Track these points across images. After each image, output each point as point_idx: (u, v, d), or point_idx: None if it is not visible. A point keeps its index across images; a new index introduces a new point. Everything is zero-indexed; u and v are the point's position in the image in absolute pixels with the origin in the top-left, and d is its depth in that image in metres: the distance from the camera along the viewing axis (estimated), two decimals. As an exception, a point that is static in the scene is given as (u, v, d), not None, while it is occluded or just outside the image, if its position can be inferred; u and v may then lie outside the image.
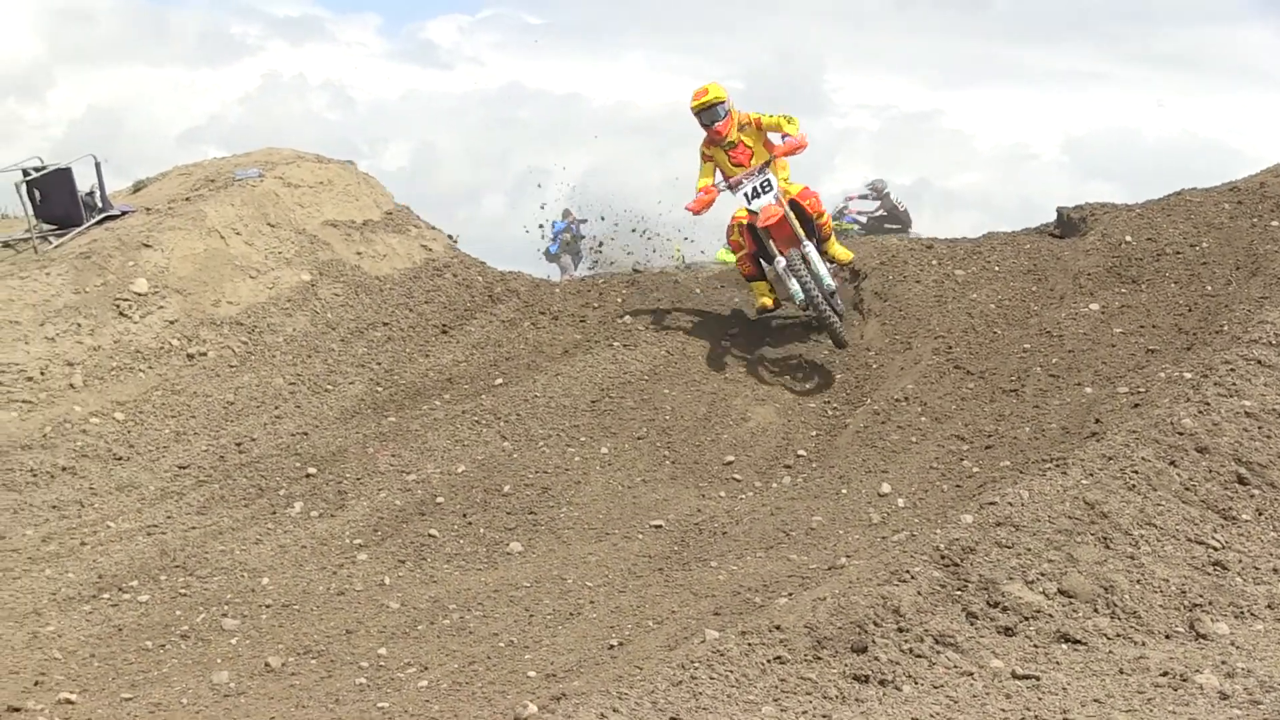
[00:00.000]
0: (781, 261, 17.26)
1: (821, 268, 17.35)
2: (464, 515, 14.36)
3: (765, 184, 17.46)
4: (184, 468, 15.47)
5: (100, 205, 19.02)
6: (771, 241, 17.39)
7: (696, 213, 17.76)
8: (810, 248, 17.32)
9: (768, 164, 17.63)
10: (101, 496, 15.01)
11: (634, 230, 27.53)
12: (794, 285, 17.12)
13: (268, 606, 12.92)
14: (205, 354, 16.94)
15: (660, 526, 14.00)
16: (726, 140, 17.68)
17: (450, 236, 21.25)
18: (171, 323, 17.10)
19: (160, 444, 15.80)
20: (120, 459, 15.55)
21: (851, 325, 18.01)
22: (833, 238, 18.37)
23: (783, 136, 17.57)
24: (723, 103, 17.65)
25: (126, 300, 17.06)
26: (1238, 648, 9.74)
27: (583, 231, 34.46)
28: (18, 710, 11.27)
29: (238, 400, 16.44)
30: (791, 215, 17.31)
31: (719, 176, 17.75)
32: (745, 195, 17.51)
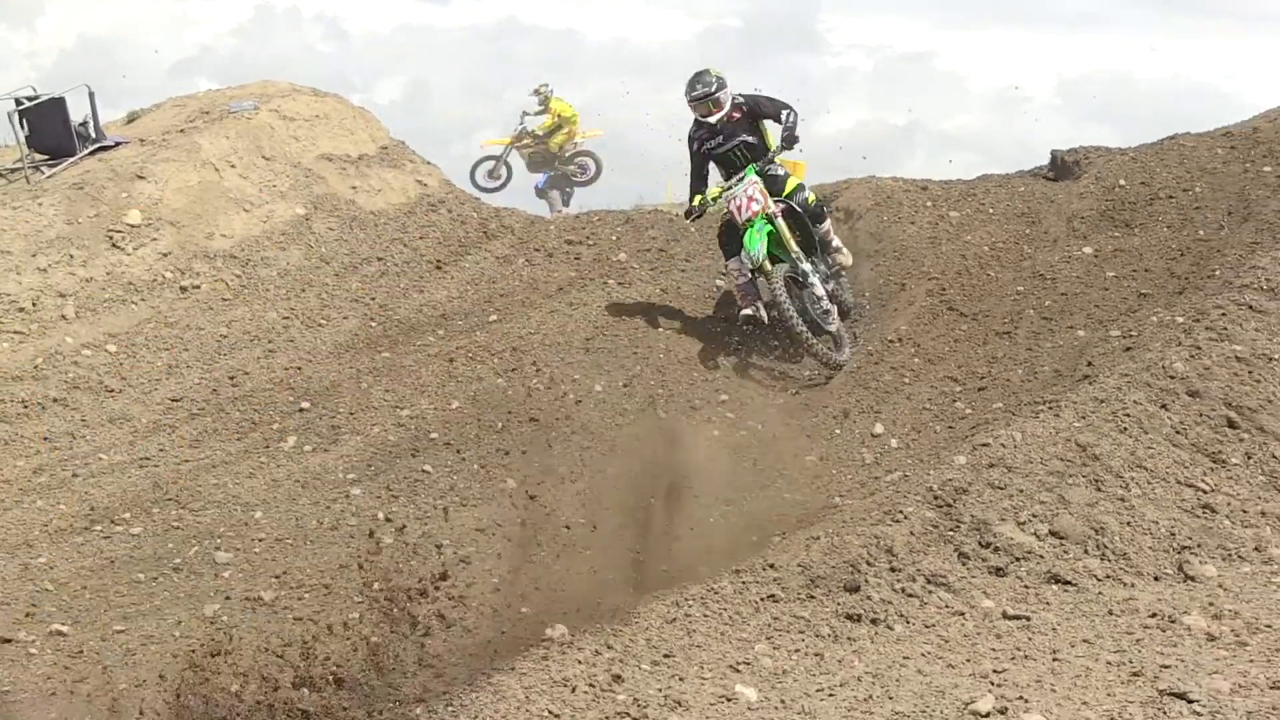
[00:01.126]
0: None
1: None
2: (458, 451, 14.39)
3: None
4: (176, 400, 15.46)
5: (94, 136, 18.95)
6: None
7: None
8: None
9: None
10: (93, 429, 15.00)
11: None
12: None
13: (260, 540, 12.97)
14: (199, 287, 16.92)
15: (654, 464, 14.04)
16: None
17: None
18: (165, 255, 17.07)
19: (153, 377, 15.78)
20: (112, 391, 15.54)
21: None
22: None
23: None
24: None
25: (119, 232, 17.03)
26: (1225, 590, 9.82)
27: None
28: (9, 641, 11.34)
29: (231, 334, 16.43)
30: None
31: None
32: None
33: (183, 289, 16.81)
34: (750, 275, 16.20)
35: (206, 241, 17.43)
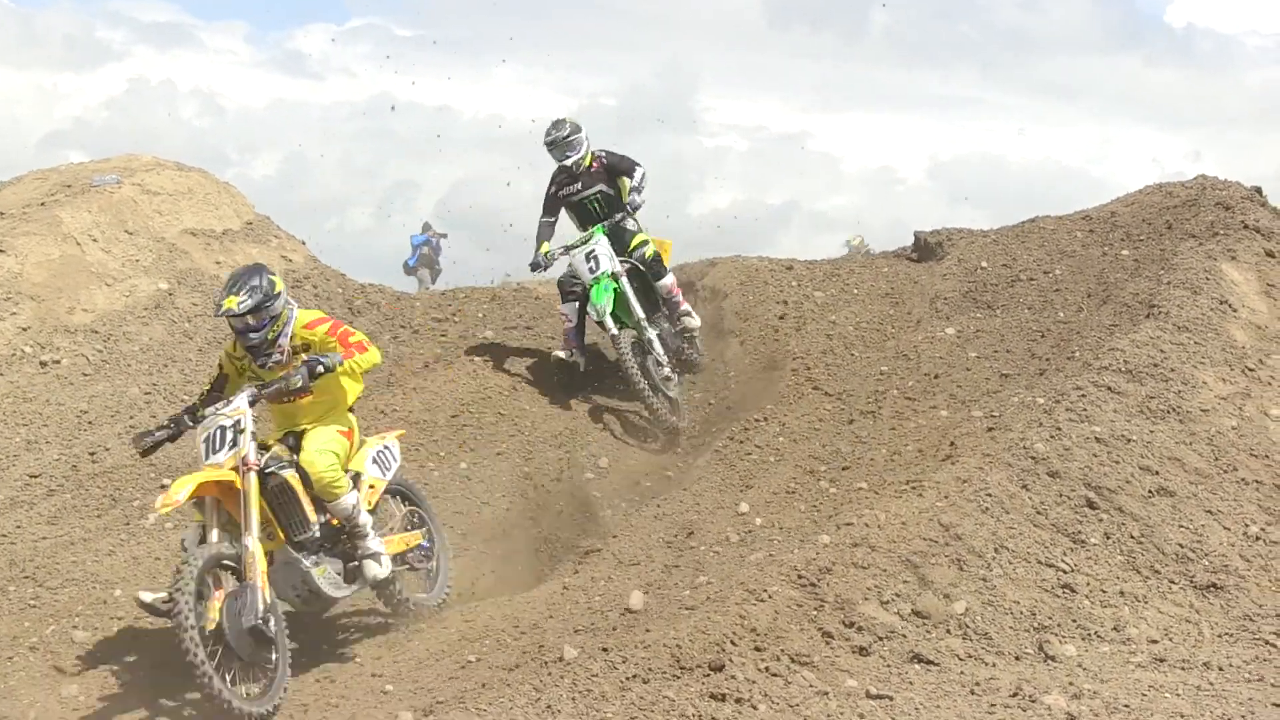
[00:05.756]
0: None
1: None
2: (319, 529, 14.25)
3: None
4: (35, 477, 15.20)
5: (-48, 209, 18.69)
6: None
7: None
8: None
9: None
10: (-52, 505, 14.75)
11: None
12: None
13: (120, 619, 12.76)
14: (59, 362, 16.68)
15: (519, 542, 14.01)
16: None
17: None
18: (24, 329, 16.82)
19: (10, 453, 15.51)
20: (-32, 467, 15.30)
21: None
22: None
23: None
24: None
25: (-23, 306, 16.81)
26: (1084, 669, 9.96)
27: (442, 247, 34.36)
28: None
29: (91, 409, 16.19)
30: None
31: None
32: None
33: (42, 364, 16.57)
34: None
35: (67, 316, 17.20)
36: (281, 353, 11.89)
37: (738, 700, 9.28)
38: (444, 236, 34.64)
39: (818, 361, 16.92)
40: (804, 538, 12.14)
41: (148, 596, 11.21)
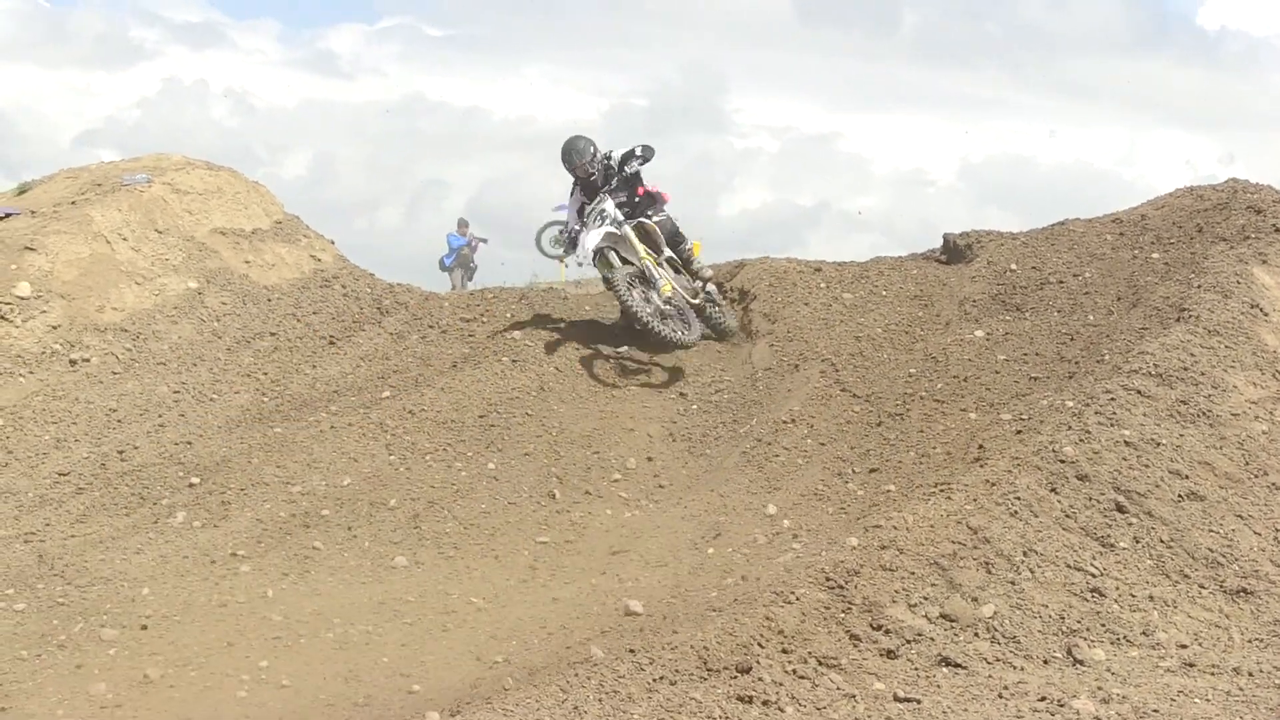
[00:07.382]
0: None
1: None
2: (349, 528, 14.28)
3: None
4: (64, 475, 15.27)
5: (-17, 207, 18.75)
6: None
7: None
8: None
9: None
10: (-22, 502, 14.79)
11: None
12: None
13: (148, 617, 12.78)
14: (88, 360, 16.74)
15: (546, 543, 14.00)
16: None
17: None
18: (54, 328, 16.90)
19: (40, 450, 15.59)
20: (-2, 464, 15.35)
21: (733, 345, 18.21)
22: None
23: None
24: None
25: (8, 304, 16.83)
26: (1113, 674, 9.92)
27: (480, 249, 34.41)
28: (-110, 719, 11.11)
29: (120, 407, 16.26)
30: None
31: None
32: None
33: (72, 362, 16.64)
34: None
35: (97, 314, 17.27)
36: None
37: (765, 702, 9.27)
38: (484, 241, 34.74)
39: (846, 363, 16.87)
40: (832, 540, 12.12)
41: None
